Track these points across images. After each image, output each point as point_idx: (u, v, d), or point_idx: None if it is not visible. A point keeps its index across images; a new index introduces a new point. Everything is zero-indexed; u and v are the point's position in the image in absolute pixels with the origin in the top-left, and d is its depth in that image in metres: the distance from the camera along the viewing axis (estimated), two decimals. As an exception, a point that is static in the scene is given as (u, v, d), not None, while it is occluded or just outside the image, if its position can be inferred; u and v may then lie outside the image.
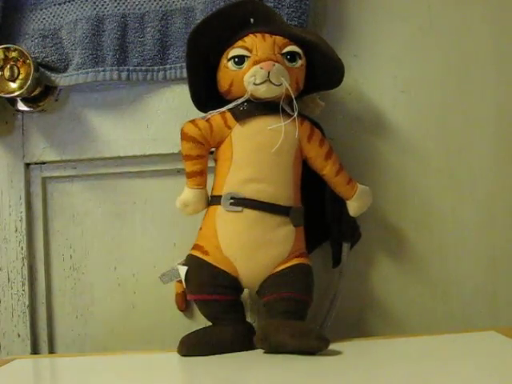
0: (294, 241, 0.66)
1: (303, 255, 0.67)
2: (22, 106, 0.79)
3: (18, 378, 0.61)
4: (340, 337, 0.66)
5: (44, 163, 0.80)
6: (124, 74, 0.76)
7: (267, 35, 0.66)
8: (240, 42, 0.66)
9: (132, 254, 0.79)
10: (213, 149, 0.68)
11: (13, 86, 0.75)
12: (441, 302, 0.77)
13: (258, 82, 0.64)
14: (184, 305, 0.76)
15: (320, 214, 0.72)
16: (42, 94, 0.79)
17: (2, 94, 0.74)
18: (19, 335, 0.79)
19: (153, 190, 0.79)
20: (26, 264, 0.79)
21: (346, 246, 0.73)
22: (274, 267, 0.65)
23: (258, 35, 0.65)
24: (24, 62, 0.74)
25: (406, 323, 0.77)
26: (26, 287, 0.79)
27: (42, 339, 0.79)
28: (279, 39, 0.66)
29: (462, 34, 0.78)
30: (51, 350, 0.79)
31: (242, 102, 0.66)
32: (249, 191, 0.65)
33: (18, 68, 0.74)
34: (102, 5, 0.76)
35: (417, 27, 0.79)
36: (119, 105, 0.79)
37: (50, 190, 0.81)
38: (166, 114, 0.78)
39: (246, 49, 0.65)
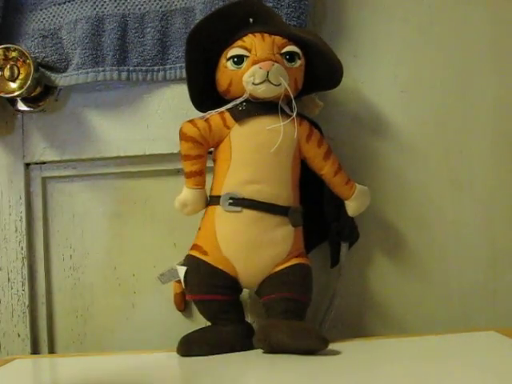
0: (293, 241, 0.66)
1: (302, 255, 0.67)
2: (22, 106, 0.79)
3: (18, 378, 0.61)
4: (339, 337, 0.66)
5: (44, 163, 0.80)
6: (124, 74, 0.76)
7: (266, 35, 0.66)
8: (239, 42, 0.66)
9: (132, 254, 0.79)
10: (211, 149, 0.68)
11: (13, 85, 0.75)
12: (441, 301, 0.77)
13: (257, 81, 0.64)
14: (183, 305, 0.76)
15: (319, 213, 0.71)
16: (41, 94, 0.79)
17: (2, 94, 0.75)
18: (19, 335, 0.79)
19: (153, 190, 0.79)
20: (25, 264, 0.79)
21: (344, 246, 0.73)
22: (272, 267, 0.65)
23: (258, 35, 0.65)
24: (24, 61, 0.74)
25: (406, 323, 0.77)
26: (26, 287, 0.79)
27: (42, 339, 0.79)
28: (278, 39, 0.66)
29: (461, 33, 0.78)
30: (51, 350, 0.79)
31: (241, 102, 0.66)
32: (248, 191, 0.64)
33: (18, 68, 0.74)
34: (102, 5, 0.76)
35: (417, 27, 0.78)
36: (119, 105, 0.79)
37: (49, 190, 0.81)
38: (165, 113, 0.78)
39: (245, 48, 0.65)
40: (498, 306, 0.77)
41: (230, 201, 0.64)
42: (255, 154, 0.65)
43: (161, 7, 0.76)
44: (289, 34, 0.67)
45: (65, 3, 0.78)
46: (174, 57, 0.76)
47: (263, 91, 0.65)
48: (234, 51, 0.66)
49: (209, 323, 0.68)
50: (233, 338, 0.65)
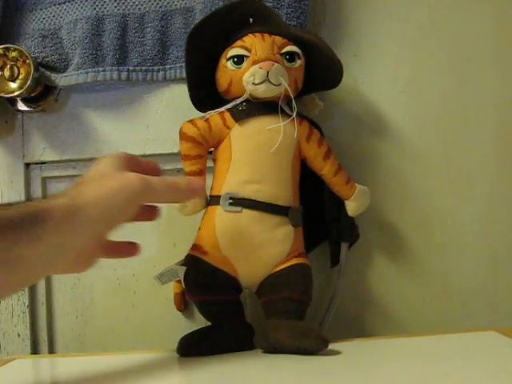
0: (293, 241, 0.66)
1: (302, 255, 0.67)
2: (22, 106, 0.79)
3: (18, 378, 0.61)
4: (339, 337, 0.66)
5: (44, 163, 0.80)
6: (124, 74, 0.76)
7: (266, 35, 0.66)
8: (239, 42, 0.66)
9: (132, 254, 0.79)
10: (211, 149, 0.68)
11: (13, 85, 0.75)
12: (441, 301, 0.77)
13: (256, 81, 0.64)
14: (182, 305, 0.76)
15: (319, 213, 0.71)
16: (41, 94, 0.79)
17: (2, 94, 0.74)
18: (19, 335, 0.79)
19: (153, 190, 0.79)
20: (26, 264, 0.79)
21: (344, 246, 0.73)
22: (272, 267, 0.65)
23: (257, 35, 0.65)
24: (24, 61, 0.74)
25: (406, 323, 0.77)
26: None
27: (41, 339, 0.79)
28: (278, 39, 0.66)
29: (462, 34, 0.78)
30: (51, 350, 0.79)
31: (241, 102, 0.66)
32: (248, 191, 0.64)
33: (18, 68, 0.74)
34: (102, 5, 0.76)
35: (417, 27, 0.78)
36: (119, 105, 0.79)
37: (50, 190, 0.81)
38: (166, 114, 0.78)
39: (245, 48, 0.65)
40: (497, 306, 0.77)
41: (230, 201, 0.64)
42: (255, 153, 0.65)
43: (161, 7, 0.76)
44: (289, 33, 0.67)
45: (65, 3, 0.78)
46: (174, 57, 0.76)
47: (263, 91, 0.65)
48: (233, 51, 0.66)
49: (209, 323, 0.68)
50: (232, 338, 0.65)
